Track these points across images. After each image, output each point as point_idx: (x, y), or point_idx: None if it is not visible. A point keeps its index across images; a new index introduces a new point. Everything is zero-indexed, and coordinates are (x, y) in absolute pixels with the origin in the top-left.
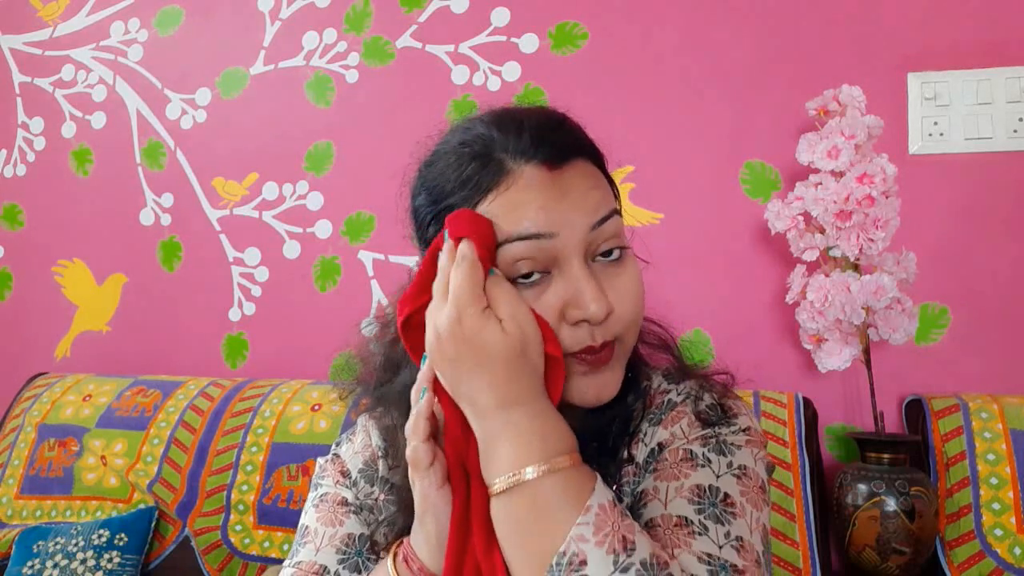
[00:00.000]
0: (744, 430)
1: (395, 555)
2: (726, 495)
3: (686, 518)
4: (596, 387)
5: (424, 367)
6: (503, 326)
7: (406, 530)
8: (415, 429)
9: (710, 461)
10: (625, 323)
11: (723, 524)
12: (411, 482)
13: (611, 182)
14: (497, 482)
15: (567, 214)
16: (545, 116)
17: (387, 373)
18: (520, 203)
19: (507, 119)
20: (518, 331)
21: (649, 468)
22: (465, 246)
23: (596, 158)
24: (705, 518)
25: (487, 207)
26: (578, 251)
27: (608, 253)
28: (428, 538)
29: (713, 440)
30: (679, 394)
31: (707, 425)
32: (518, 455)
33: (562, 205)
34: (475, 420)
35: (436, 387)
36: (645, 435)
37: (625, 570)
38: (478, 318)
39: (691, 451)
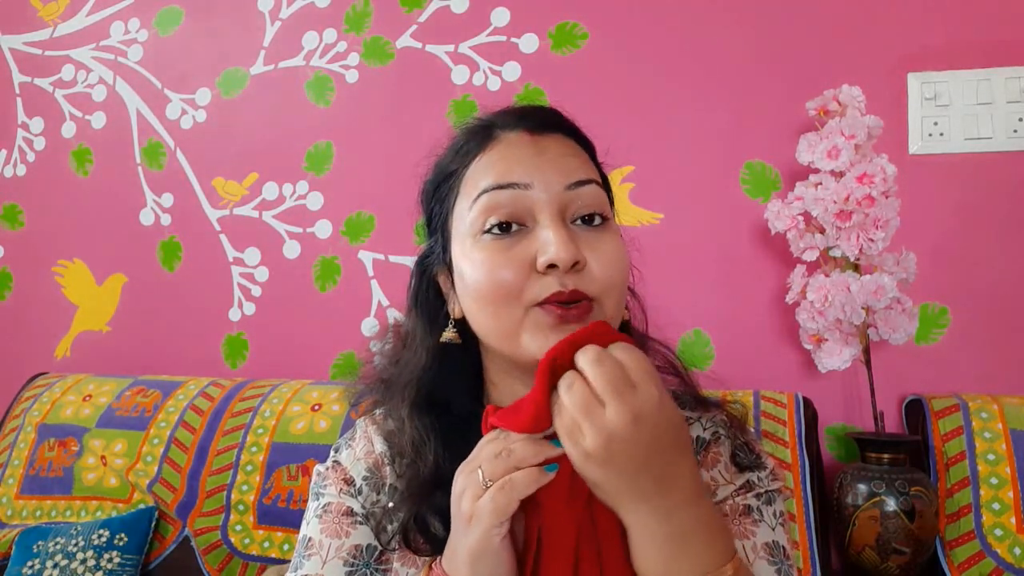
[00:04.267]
0: (772, 471)
1: None
2: (784, 548)
3: None
4: None
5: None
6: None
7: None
8: (516, 488)
9: (763, 514)
10: (601, 283)
11: None
12: (467, 519)
13: (604, 178)
14: None
15: (542, 169)
16: (540, 105)
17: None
18: (498, 158)
19: (506, 107)
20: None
21: None
22: (594, 350)
23: (584, 145)
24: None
25: (472, 169)
26: (552, 206)
27: (590, 220)
28: None
29: (761, 491)
30: (705, 430)
31: (742, 469)
32: (713, 554)
33: (537, 160)
34: (655, 515)
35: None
36: None
37: None
38: (672, 401)
39: (748, 506)
